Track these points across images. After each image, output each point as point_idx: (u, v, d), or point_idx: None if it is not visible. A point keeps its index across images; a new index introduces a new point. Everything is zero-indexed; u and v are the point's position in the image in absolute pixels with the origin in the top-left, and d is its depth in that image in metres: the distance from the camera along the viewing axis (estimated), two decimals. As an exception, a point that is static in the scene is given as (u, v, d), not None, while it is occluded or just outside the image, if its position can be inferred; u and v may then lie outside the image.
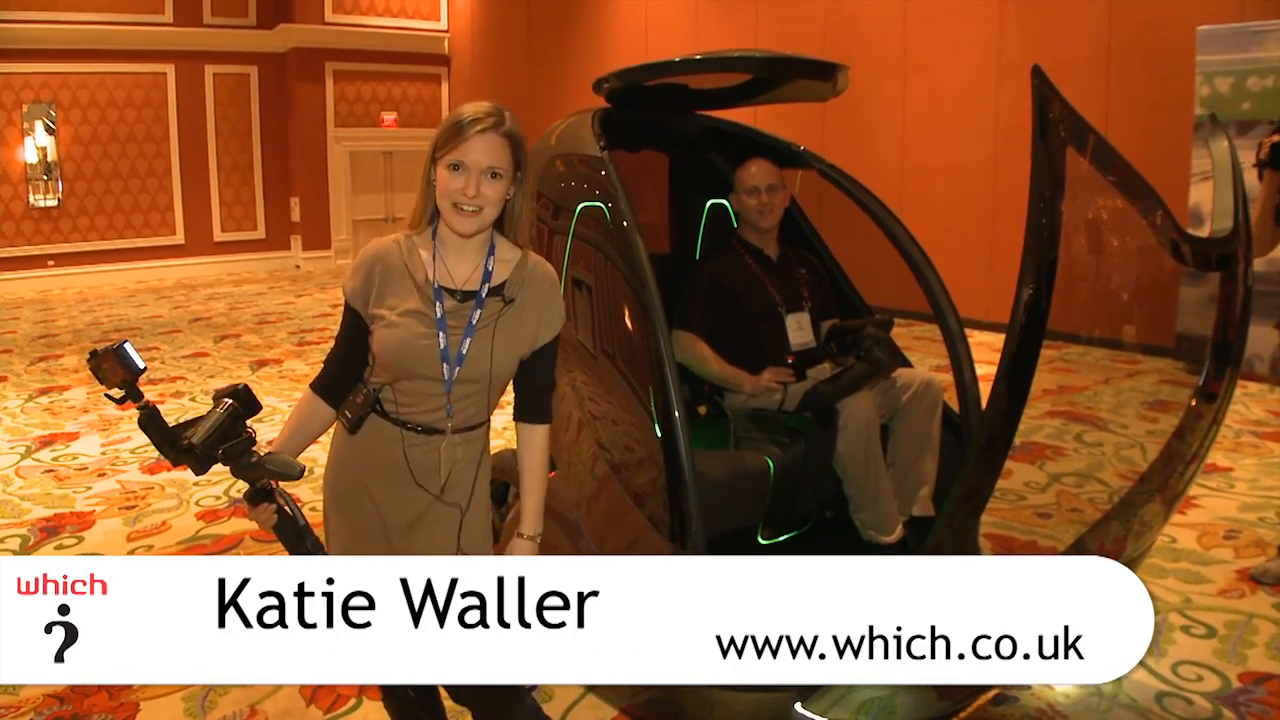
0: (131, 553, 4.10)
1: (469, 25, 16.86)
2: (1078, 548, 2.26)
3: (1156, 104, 7.95)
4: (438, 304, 1.91)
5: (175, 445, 1.83)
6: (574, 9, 14.40)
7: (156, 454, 5.40)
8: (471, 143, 1.85)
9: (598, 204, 2.95)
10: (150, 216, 15.47)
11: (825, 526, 3.29)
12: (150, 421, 1.83)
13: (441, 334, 1.90)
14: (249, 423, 1.89)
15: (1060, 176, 1.67)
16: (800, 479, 3.06)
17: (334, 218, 16.62)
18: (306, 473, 1.91)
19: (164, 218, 15.58)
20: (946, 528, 1.93)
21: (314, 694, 2.97)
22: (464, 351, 1.90)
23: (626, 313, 2.79)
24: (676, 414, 2.50)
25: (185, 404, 6.82)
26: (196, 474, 1.85)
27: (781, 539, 3.17)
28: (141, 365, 1.83)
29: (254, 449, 1.86)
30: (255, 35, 15.92)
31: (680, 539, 2.53)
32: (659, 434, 2.64)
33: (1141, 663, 3.06)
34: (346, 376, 2.01)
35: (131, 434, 5.99)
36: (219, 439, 1.82)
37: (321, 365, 2.06)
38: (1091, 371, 7.28)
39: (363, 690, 2.98)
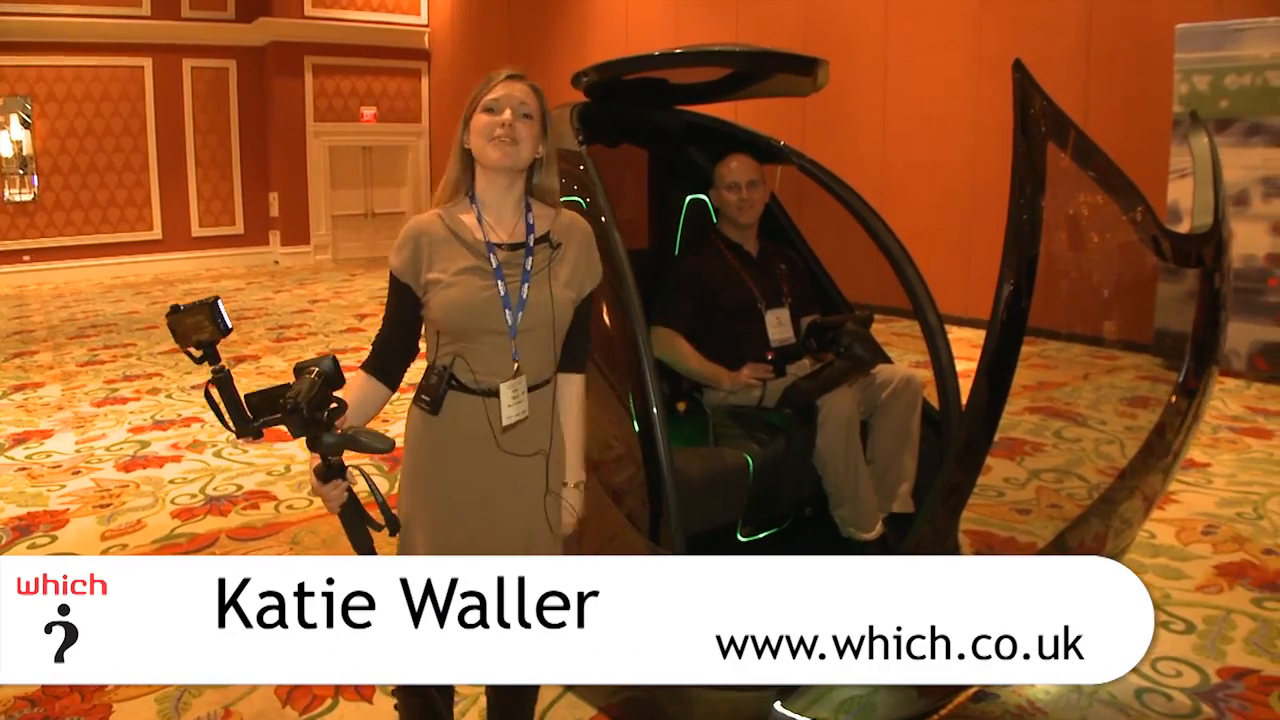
0: (105, 552, 4.05)
1: (449, 20, 16.79)
2: (1058, 545, 2.25)
3: (1135, 101, 7.97)
4: (491, 255, 1.97)
5: (241, 415, 1.78)
6: (554, 5, 14.35)
7: (132, 452, 5.33)
8: (501, 85, 1.98)
9: (575, 199, 2.92)
10: (127, 211, 15.33)
11: (804, 524, 3.27)
12: (224, 386, 1.79)
13: (500, 282, 1.96)
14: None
15: (1041, 172, 1.66)
16: (780, 476, 3.05)
17: (313, 213, 16.51)
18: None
19: (141, 213, 15.44)
20: (927, 525, 1.92)
21: (289, 695, 2.93)
22: (524, 296, 1.97)
23: (605, 309, 2.76)
24: (655, 411, 2.47)
25: (162, 400, 6.75)
26: (294, 436, 1.78)
27: (760, 536, 3.16)
28: (230, 325, 1.79)
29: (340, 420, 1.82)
30: (234, 29, 15.78)
31: (659, 538, 2.51)
32: (637, 431, 2.62)
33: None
34: (397, 354, 2.05)
35: (106, 432, 5.93)
36: (319, 402, 1.76)
37: (371, 347, 2.07)
38: (1070, 367, 7.30)
39: (339, 691, 2.94)
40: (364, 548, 1.89)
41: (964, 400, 3.32)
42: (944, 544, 1.88)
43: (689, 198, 3.68)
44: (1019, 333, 1.70)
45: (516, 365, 1.98)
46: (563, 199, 2.95)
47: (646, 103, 3.52)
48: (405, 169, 17.48)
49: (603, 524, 2.84)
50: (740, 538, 3.10)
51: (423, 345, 2.09)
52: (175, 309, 1.78)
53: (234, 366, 7.88)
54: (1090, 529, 2.30)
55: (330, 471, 1.81)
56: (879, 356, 3.22)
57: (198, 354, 1.81)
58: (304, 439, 1.78)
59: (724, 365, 3.26)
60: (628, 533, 2.72)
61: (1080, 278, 2.14)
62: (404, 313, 2.01)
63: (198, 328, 1.77)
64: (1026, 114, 1.69)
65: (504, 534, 2.03)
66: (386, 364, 2.04)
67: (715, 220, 3.55)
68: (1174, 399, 2.26)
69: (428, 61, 17.39)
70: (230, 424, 1.80)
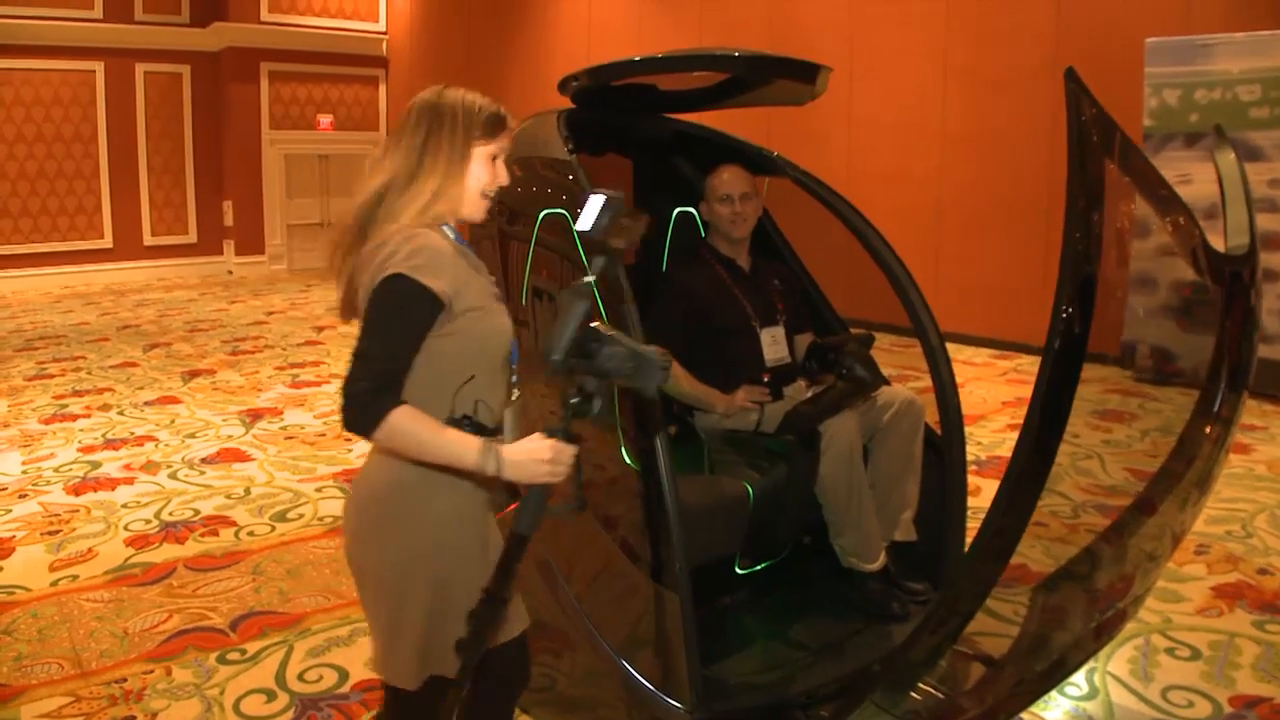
0: (55, 583, 3.81)
1: (408, 27, 16.57)
2: (1085, 587, 2.11)
3: (1106, 114, 7.96)
4: (494, 279, 1.93)
5: (577, 339, 1.61)
6: (515, 11, 14.19)
7: (82, 473, 5.06)
8: (506, 135, 1.91)
9: (561, 211, 2.77)
10: (77, 219, 14.92)
11: (804, 554, 3.13)
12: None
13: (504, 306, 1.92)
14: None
15: (1097, 187, 1.53)
16: (780, 505, 2.90)
17: (268, 222, 16.20)
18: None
19: (92, 221, 15.05)
20: (969, 573, 1.77)
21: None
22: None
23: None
24: (659, 442, 2.31)
25: (113, 417, 6.48)
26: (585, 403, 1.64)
27: (759, 568, 3.01)
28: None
29: None
30: (188, 33, 15.45)
31: (660, 576, 2.35)
32: (625, 457, 2.46)
33: (1131, 690, 2.99)
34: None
35: (55, 451, 5.66)
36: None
37: (376, 371, 1.71)
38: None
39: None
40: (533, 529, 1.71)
41: (966, 423, 3.21)
42: (986, 592, 1.74)
43: (676, 210, 3.53)
44: (1077, 362, 1.56)
45: (517, 393, 1.90)
46: (547, 211, 2.82)
47: (633, 109, 3.37)
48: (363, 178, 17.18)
49: (593, 555, 2.68)
50: (739, 570, 2.95)
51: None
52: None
53: (189, 381, 7.62)
54: (1117, 569, 2.17)
55: (570, 436, 1.67)
56: (880, 378, 3.08)
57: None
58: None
59: (717, 387, 3.12)
60: (620, 564, 2.56)
61: (1119, 296, 2.01)
62: (421, 339, 1.77)
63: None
64: (1081, 124, 1.56)
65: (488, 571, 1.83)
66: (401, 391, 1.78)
67: (704, 234, 3.40)
68: (1209, 429, 2.13)
69: (386, 69, 17.16)
70: (565, 342, 1.60)
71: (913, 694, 2.03)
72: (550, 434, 1.66)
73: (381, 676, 1.91)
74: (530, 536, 1.69)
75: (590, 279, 1.64)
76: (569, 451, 1.67)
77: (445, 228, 1.87)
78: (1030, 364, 8.05)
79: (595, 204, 1.64)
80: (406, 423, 1.67)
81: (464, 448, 1.69)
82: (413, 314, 1.74)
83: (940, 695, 2.06)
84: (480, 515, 1.87)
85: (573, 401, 1.64)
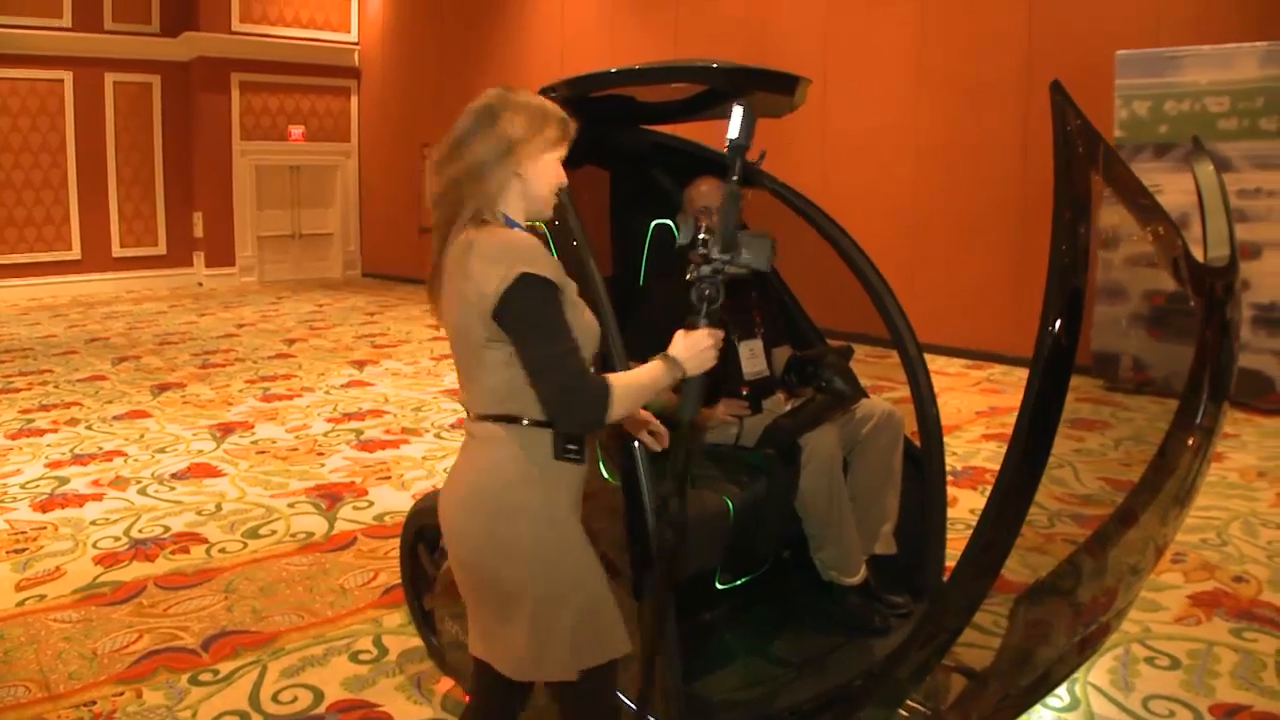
0: (21, 603, 3.73)
1: (380, 37, 16.52)
2: (1071, 602, 2.10)
3: (1076, 125, 8.01)
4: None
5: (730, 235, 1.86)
6: (487, 22, 14.17)
7: (49, 489, 4.96)
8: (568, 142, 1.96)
9: (537, 222, 2.74)
10: (45, 230, 14.76)
11: (784, 568, 3.11)
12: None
13: None
14: None
15: (1084, 199, 1.52)
16: (761, 519, 2.88)
17: (239, 234, 16.11)
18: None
19: (59, 231, 14.89)
20: (957, 588, 1.76)
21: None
22: None
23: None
24: (640, 460, 2.28)
25: (81, 432, 6.38)
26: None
27: (739, 583, 2.98)
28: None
29: None
30: (158, 43, 15.34)
31: (641, 592, 2.32)
32: (604, 472, 2.43)
33: (1112, 700, 2.99)
34: None
35: (21, 467, 5.56)
36: None
37: (580, 365, 1.80)
38: (1017, 391, 7.29)
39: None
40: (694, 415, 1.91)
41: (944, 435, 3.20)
42: (975, 606, 1.73)
43: (654, 223, 3.50)
44: (1065, 373, 1.55)
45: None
46: (527, 223, 2.78)
47: (611, 121, 3.34)
48: (334, 189, 17.15)
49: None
50: (719, 585, 2.93)
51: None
52: None
53: (158, 395, 7.52)
54: (1100, 582, 2.16)
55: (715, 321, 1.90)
56: (859, 391, 3.07)
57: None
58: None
59: (696, 400, 3.09)
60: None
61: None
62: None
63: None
64: (1066, 135, 1.55)
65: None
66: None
67: (682, 246, 3.37)
68: (1190, 439, 2.13)
69: (358, 80, 17.10)
70: (725, 239, 1.85)
71: (899, 710, 2.01)
72: (694, 326, 1.87)
73: (534, 678, 1.93)
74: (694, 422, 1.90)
75: (736, 179, 1.84)
76: (719, 333, 1.88)
77: (516, 226, 1.90)
78: (1003, 373, 8.09)
79: (739, 113, 1.82)
80: (626, 387, 1.79)
81: (657, 374, 1.84)
82: (557, 305, 1.80)
83: (925, 711, 2.05)
84: (578, 502, 1.92)
85: (707, 293, 1.85)
